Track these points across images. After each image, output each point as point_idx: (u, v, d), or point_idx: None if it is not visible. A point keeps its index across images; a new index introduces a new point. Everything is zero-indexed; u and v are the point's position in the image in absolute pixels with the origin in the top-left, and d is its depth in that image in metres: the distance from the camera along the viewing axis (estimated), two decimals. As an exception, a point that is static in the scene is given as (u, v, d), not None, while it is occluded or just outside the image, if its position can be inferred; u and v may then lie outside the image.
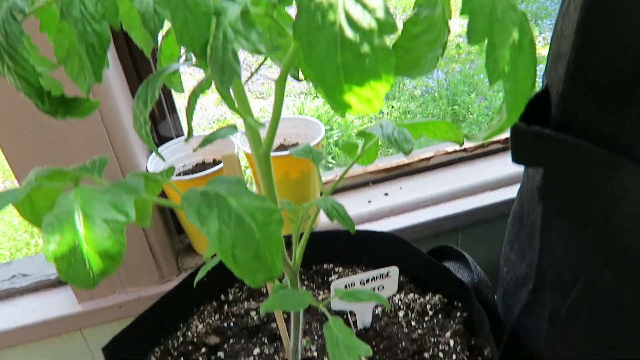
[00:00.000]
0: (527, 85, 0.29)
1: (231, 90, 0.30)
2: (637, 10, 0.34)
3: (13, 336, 0.81)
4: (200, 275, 0.49)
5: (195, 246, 0.84)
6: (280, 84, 0.33)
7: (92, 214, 0.28)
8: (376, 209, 0.90)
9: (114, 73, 0.69)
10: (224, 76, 0.27)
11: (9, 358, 0.85)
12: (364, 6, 0.24)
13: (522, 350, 0.58)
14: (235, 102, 0.33)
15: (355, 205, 0.92)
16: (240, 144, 0.76)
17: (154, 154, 0.76)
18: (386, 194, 0.93)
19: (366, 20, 0.24)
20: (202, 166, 0.82)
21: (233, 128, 0.36)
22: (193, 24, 0.28)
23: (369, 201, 0.92)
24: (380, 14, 0.24)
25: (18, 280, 0.88)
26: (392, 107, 3.70)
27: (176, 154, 0.80)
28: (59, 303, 0.83)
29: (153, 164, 0.74)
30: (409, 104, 3.77)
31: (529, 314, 0.54)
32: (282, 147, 0.84)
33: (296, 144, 0.84)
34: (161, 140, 0.82)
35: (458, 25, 5.12)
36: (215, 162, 0.82)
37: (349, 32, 0.24)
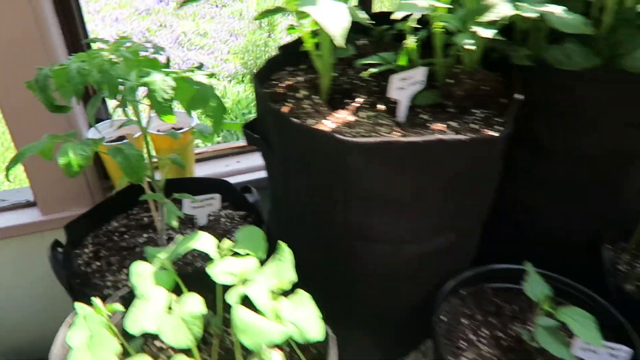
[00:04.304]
0: (221, 121, 0.89)
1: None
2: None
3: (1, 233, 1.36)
4: (120, 189, 1.07)
5: (114, 184, 1.41)
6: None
7: (75, 151, 0.86)
8: (230, 170, 1.51)
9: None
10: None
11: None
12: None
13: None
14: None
15: (219, 167, 1.52)
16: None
17: (93, 129, 1.32)
18: (238, 162, 1.54)
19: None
20: (122, 138, 1.38)
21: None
22: (111, 89, 0.87)
23: (227, 165, 1.52)
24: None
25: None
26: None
27: (107, 129, 1.36)
28: (30, 215, 1.38)
29: (92, 134, 1.31)
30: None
31: (274, 217, 1.18)
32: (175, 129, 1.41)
33: (180, 128, 1.42)
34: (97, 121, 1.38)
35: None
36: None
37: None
